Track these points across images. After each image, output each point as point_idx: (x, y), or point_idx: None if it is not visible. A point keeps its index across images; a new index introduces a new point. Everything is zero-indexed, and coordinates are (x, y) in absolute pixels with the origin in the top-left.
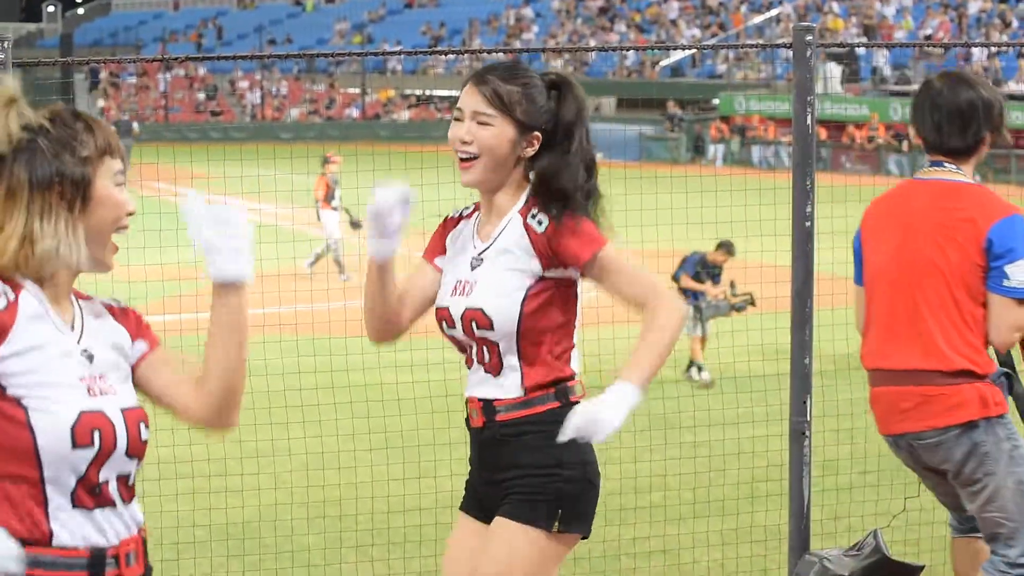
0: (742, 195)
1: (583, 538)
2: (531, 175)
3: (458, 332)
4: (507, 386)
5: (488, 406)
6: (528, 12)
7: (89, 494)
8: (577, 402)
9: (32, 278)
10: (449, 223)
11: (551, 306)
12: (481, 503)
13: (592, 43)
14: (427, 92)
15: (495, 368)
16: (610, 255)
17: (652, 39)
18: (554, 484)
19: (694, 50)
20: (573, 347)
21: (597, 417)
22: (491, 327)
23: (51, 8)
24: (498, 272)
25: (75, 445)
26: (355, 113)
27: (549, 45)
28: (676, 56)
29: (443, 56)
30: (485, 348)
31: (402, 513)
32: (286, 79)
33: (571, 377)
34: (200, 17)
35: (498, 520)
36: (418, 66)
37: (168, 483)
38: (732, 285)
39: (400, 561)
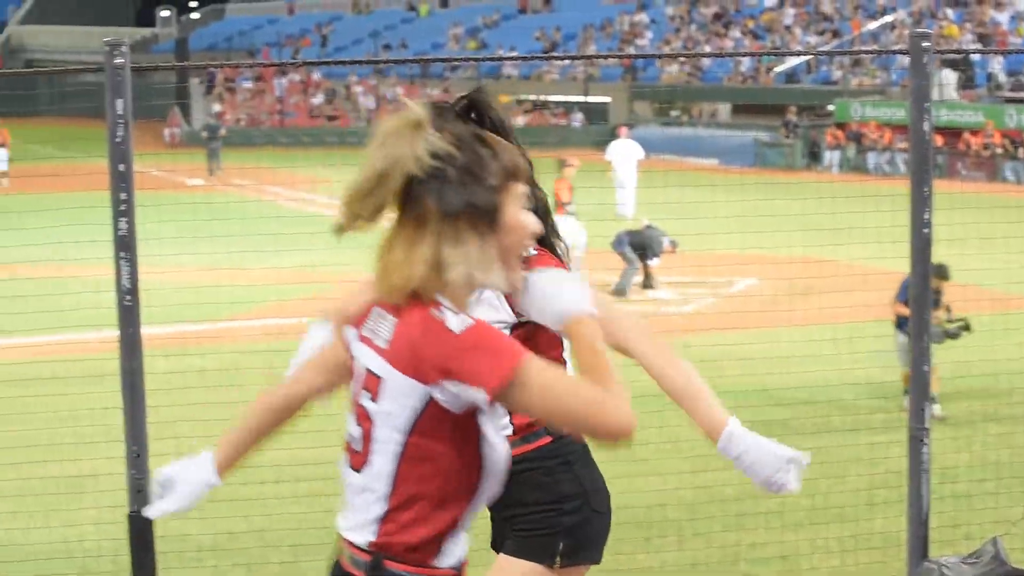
0: (858, 202)
1: (594, 564)
2: None
3: None
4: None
5: None
6: (643, 18)
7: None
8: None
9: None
10: None
11: (533, 340)
12: (494, 540)
13: (707, 49)
14: (541, 98)
15: None
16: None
17: (767, 46)
18: (555, 519)
19: (809, 56)
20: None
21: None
22: None
23: (165, 13)
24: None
25: (501, 480)
26: None
27: (663, 51)
28: (791, 62)
29: (557, 62)
30: None
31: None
32: (401, 84)
33: None
34: (315, 22)
35: (501, 557)
36: (532, 72)
37: (286, 486)
38: (948, 310)
39: None
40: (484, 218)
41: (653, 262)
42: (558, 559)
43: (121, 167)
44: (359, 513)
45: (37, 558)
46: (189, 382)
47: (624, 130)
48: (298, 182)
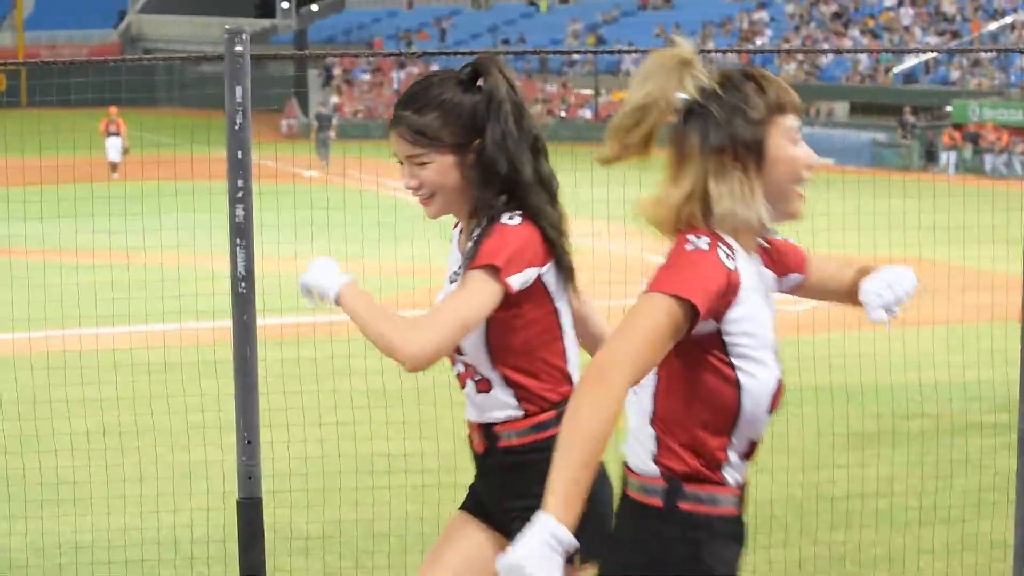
0: (974, 202)
1: (591, 561)
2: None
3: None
4: (506, 409)
5: (488, 431)
6: (762, 16)
7: (754, 450)
8: None
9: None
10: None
11: (519, 318)
12: (487, 512)
13: (825, 47)
14: None
15: (485, 390)
16: (470, 276)
17: (885, 45)
18: None
19: (928, 56)
20: (565, 351)
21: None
22: (460, 351)
23: (285, 4)
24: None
25: (769, 411)
26: (588, 114)
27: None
28: (909, 62)
29: None
30: (470, 370)
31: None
32: (519, 79)
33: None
34: (433, 16)
35: (496, 541)
36: None
37: (396, 476)
38: None
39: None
40: (749, 152)
41: None
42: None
43: (239, 154)
44: (641, 445)
45: (147, 543)
46: (302, 371)
47: None
48: None
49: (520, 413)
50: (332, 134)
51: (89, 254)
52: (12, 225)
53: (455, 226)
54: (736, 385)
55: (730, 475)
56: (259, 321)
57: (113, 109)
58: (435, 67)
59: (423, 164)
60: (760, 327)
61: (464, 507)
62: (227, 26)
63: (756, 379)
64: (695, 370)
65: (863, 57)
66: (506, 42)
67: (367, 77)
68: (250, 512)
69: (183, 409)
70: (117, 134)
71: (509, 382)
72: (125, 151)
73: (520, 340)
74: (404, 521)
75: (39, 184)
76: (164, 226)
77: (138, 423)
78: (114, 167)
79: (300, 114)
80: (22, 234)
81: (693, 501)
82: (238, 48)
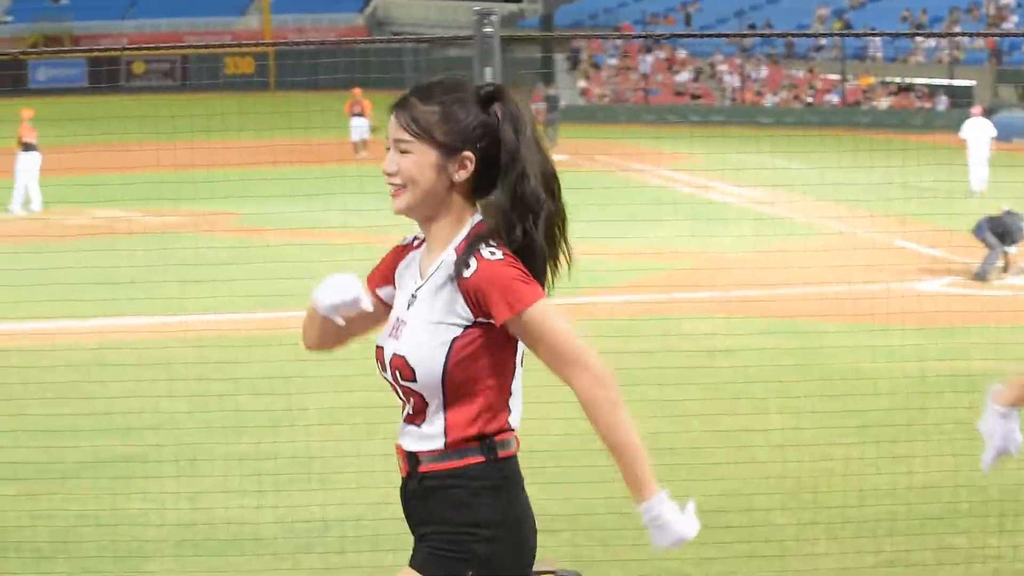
0: None
1: None
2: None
3: (388, 376)
4: (431, 437)
5: (412, 457)
6: (1009, 1)
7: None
8: (507, 457)
9: None
10: (399, 251)
11: (482, 355)
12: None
13: None
14: (907, 80)
15: (420, 418)
16: (535, 318)
17: None
18: (468, 544)
19: None
20: (510, 396)
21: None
22: (414, 378)
23: None
24: (426, 315)
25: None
26: (835, 99)
27: None
28: None
29: (923, 45)
30: (411, 397)
31: (875, 499)
32: (765, 64)
33: (503, 430)
34: (680, 0)
35: (407, 571)
36: (898, 54)
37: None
38: None
39: (871, 549)
40: None
41: (1011, 249)
42: None
43: None
44: None
45: (395, 520)
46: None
47: (978, 109)
48: (662, 159)
49: (442, 445)
50: (557, 116)
51: (334, 234)
52: (261, 205)
53: (403, 247)
54: None
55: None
56: None
57: (357, 91)
58: (681, 52)
59: (406, 152)
60: None
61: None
62: (476, 8)
63: None
64: None
65: None
66: (752, 27)
67: (613, 62)
68: None
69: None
70: (362, 115)
71: (446, 415)
72: (373, 130)
73: (479, 373)
74: None
75: (287, 165)
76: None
77: (385, 401)
78: (361, 146)
79: None
80: (270, 213)
81: None
82: (487, 29)
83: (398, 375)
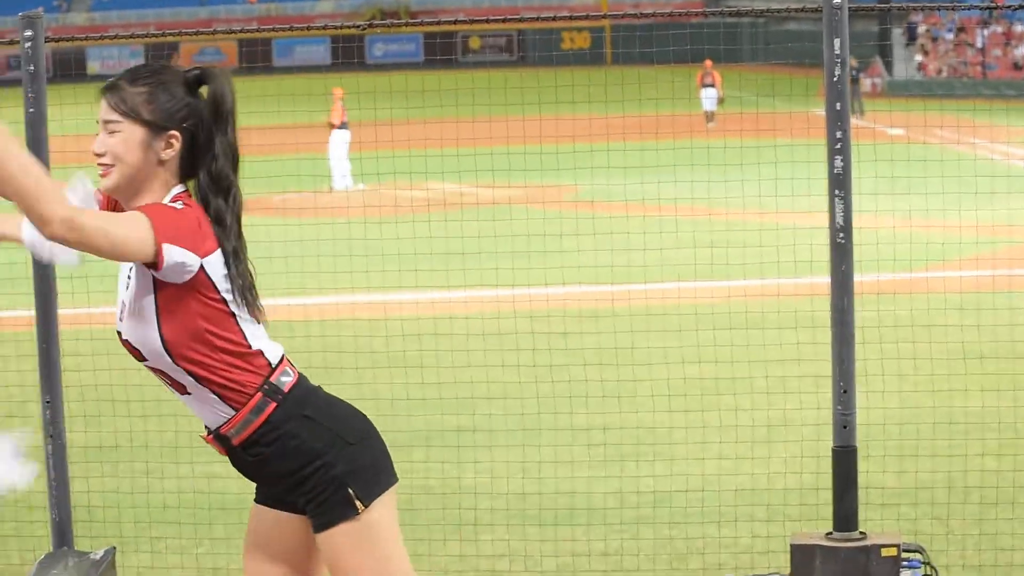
0: None
1: (394, 483)
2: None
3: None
4: (216, 410)
5: (217, 435)
6: None
7: None
8: (293, 387)
9: None
10: None
11: (190, 309)
12: (271, 497)
13: None
14: None
15: (185, 393)
16: (129, 214)
17: None
18: (327, 475)
19: None
20: (247, 332)
21: None
22: (143, 357)
23: None
24: (135, 291)
25: None
26: None
27: None
28: None
29: None
30: (163, 376)
31: None
32: None
33: (272, 368)
34: None
35: (317, 539)
36: None
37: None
38: None
39: None
40: None
41: None
42: (359, 503)
43: (837, 106)
44: None
45: (727, 493)
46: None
47: None
48: (999, 133)
49: (231, 411)
50: (860, 88)
51: (671, 208)
52: (595, 178)
53: None
54: None
55: None
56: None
57: (708, 62)
58: (1018, 27)
59: (113, 132)
60: None
61: (256, 500)
62: None
63: None
64: None
65: None
66: None
67: (950, 36)
68: (845, 461)
69: (763, 362)
70: (712, 85)
71: (200, 380)
72: (720, 101)
73: (200, 328)
74: (992, 475)
75: (622, 139)
76: (755, 184)
77: (719, 375)
78: (710, 116)
79: (884, 72)
80: (610, 185)
81: None
82: (837, 1)
83: (135, 357)
